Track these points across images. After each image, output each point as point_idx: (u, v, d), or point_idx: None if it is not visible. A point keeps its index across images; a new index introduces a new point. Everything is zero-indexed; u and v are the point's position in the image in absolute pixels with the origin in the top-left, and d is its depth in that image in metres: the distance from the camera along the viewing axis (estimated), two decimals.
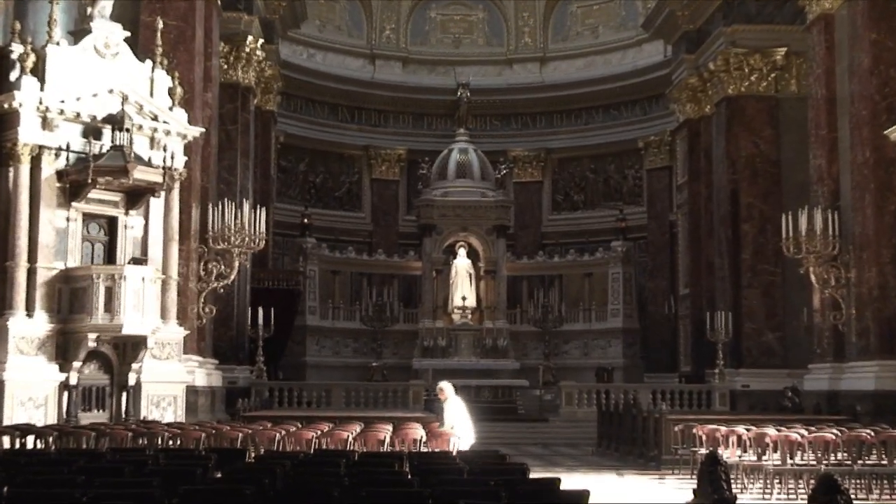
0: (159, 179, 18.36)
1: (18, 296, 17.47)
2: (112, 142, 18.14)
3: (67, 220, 18.26)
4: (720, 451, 15.33)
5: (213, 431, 14.77)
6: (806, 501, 3.77)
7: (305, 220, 36.18)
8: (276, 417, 18.62)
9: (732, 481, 7.66)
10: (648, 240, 37.59)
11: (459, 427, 14.22)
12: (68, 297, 17.87)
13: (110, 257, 18.90)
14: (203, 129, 21.27)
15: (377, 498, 7.90)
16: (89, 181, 17.77)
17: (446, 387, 14.57)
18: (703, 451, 15.86)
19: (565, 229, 39.78)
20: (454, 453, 12.83)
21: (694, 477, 14.07)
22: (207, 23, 23.57)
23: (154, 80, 19.49)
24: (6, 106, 17.66)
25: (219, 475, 9.84)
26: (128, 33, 19.34)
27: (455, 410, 14.38)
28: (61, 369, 17.65)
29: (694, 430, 17.27)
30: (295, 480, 9.02)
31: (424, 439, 14.56)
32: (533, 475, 9.91)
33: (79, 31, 19.07)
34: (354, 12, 40.52)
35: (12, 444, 14.39)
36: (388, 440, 14.35)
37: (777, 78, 28.67)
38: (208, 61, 23.72)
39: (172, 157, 18.87)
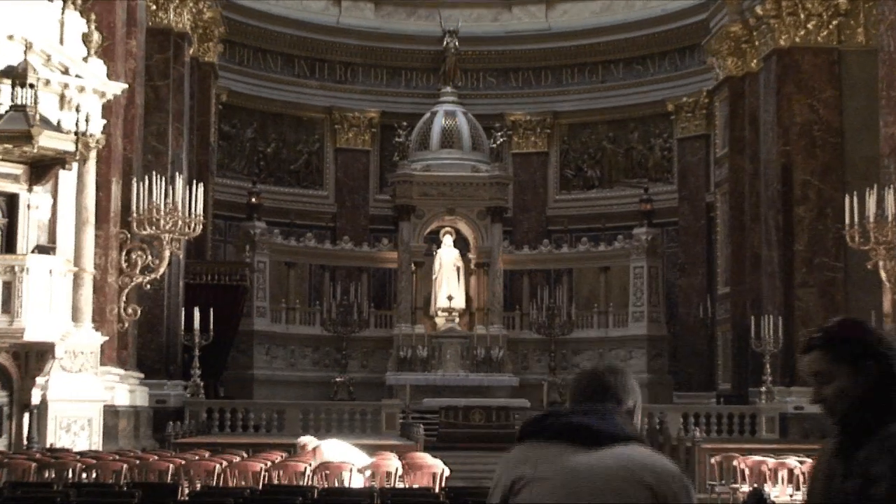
0: (71, 148, 18.28)
1: None
2: (12, 100, 18.04)
3: None
4: (767, 488, 15.38)
5: (138, 462, 14.75)
6: None
7: (253, 200, 36.09)
8: (216, 445, 18.57)
9: None
10: (679, 226, 37.65)
11: (355, 458, 14.39)
12: None
13: (9, 244, 18.82)
14: (126, 86, 21.18)
15: None
16: None
17: (310, 441, 14.83)
18: (746, 488, 15.90)
19: (576, 212, 39.82)
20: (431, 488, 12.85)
21: None
22: None
23: (65, 24, 19.39)
24: None
25: None
26: None
27: (336, 450, 14.57)
28: None
29: (735, 463, 17.31)
30: None
31: (400, 472, 14.57)
32: None
33: None
34: None
35: None
36: (354, 473, 14.35)
37: (840, 26, 28.69)
38: (133, 1, 23.63)
39: (87, 120, 18.78)
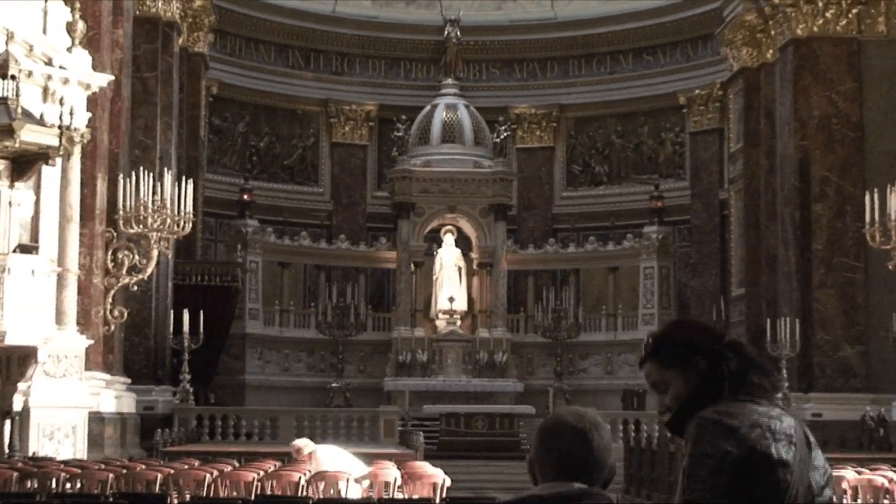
0: (55, 142, 18.25)
1: None
2: None
3: None
4: None
5: (124, 471, 14.73)
6: None
7: (245, 197, 36.12)
8: (206, 453, 18.56)
9: None
10: (692, 224, 37.64)
11: (353, 466, 14.34)
12: None
13: None
14: (112, 77, 21.18)
15: None
16: None
17: (305, 444, 14.76)
18: None
19: (584, 210, 39.80)
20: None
21: None
22: None
23: (48, 13, 19.38)
24: None
25: None
26: None
27: (332, 456, 14.52)
28: None
29: None
30: None
31: (399, 482, 14.57)
32: None
33: None
34: None
35: None
36: (351, 483, 14.35)
37: (860, 15, 28.68)
38: None
39: (72, 114, 18.74)
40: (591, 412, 3.72)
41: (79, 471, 14.72)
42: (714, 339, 3.76)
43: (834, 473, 15.47)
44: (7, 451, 18.16)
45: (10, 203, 18.99)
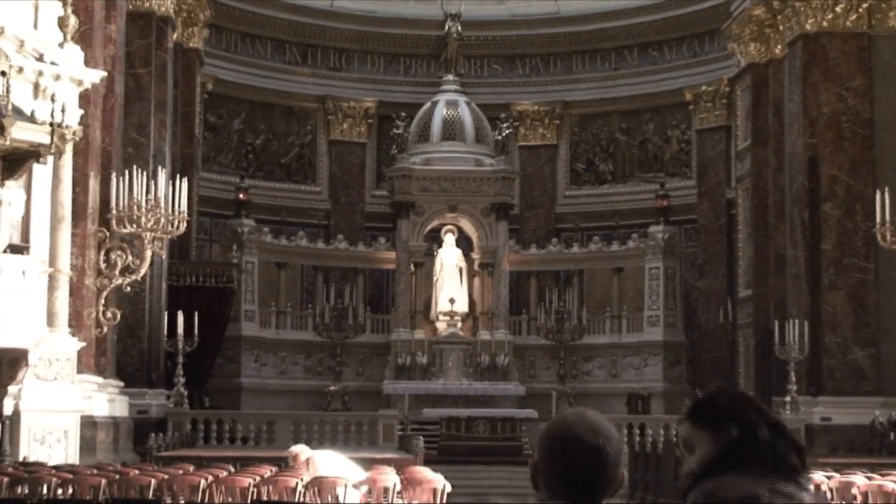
0: (46, 140, 18.26)
1: None
2: None
3: None
4: None
5: (117, 476, 14.73)
6: None
7: (241, 196, 36.11)
8: (201, 458, 18.54)
9: None
10: (698, 224, 37.62)
11: (351, 472, 14.32)
12: None
13: None
14: (105, 73, 21.17)
15: None
16: None
17: (302, 450, 14.72)
18: None
19: (587, 209, 39.79)
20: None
21: None
22: None
23: (39, 8, 19.38)
24: None
25: None
26: None
27: (330, 462, 14.49)
28: None
29: None
30: None
31: (399, 488, 14.56)
32: None
33: None
34: None
35: None
36: (349, 489, 14.34)
37: (870, 9, 28.67)
38: None
39: (64, 111, 18.75)
40: (602, 421, 3.65)
41: (70, 476, 14.72)
42: (755, 411, 3.76)
43: (843, 479, 15.53)
44: None
45: (0, 202, 19.00)
